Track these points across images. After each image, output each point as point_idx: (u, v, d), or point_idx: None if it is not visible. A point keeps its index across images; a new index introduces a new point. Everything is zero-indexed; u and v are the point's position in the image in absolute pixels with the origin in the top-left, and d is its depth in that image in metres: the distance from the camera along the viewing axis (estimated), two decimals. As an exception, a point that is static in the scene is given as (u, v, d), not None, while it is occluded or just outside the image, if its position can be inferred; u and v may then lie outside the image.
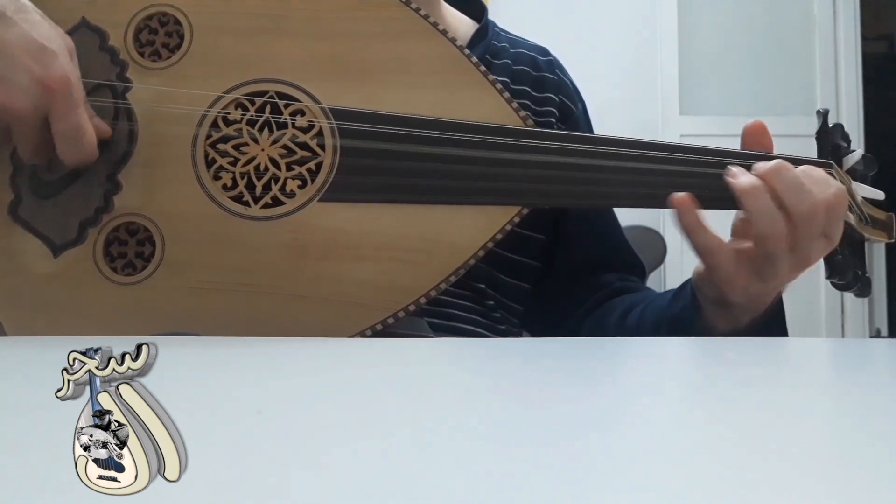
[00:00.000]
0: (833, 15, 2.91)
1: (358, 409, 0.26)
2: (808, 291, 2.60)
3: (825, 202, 0.49)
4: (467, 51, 0.54)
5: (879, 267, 2.82)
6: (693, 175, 0.52)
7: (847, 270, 0.55)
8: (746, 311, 0.53)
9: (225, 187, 0.51)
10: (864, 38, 2.98)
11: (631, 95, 2.79)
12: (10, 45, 0.47)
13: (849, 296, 2.78)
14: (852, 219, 0.55)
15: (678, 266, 2.61)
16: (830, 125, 0.58)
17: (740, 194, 0.49)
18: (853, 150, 0.58)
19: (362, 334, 0.49)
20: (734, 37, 2.90)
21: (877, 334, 2.82)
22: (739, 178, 0.50)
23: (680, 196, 0.50)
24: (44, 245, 0.51)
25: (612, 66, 2.78)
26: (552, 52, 0.77)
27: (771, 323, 0.55)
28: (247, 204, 0.51)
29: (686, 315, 0.56)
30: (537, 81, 0.72)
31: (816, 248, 0.50)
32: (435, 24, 0.54)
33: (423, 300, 0.49)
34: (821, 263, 0.55)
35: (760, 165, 0.50)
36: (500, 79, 0.60)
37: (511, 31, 0.78)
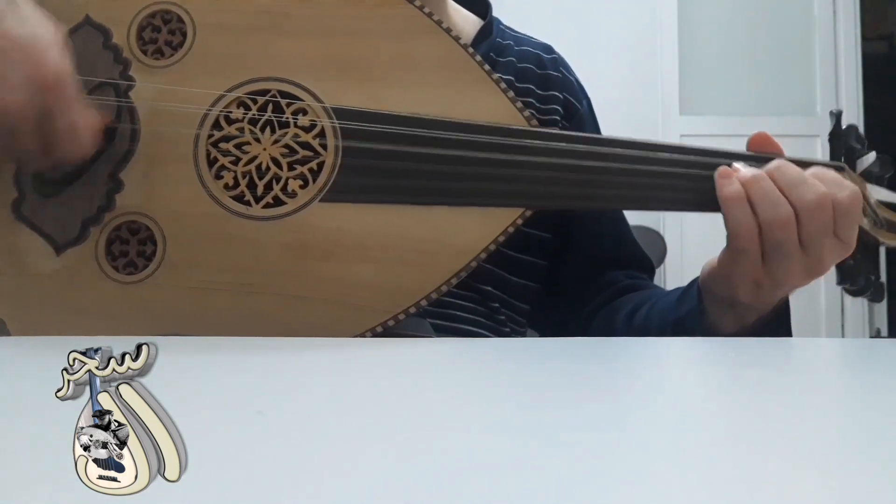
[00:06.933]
0: (833, 15, 2.91)
1: (358, 410, 0.26)
2: (809, 291, 2.59)
3: (834, 198, 0.49)
4: (471, 49, 0.54)
5: (879, 267, 2.82)
6: (702, 179, 0.52)
7: (859, 275, 0.55)
8: (752, 312, 0.53)
9: (226, 187, 0.51)
10: (864, 38, 2.98)
11: (631, 95, 2.78)
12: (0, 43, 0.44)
13: (849, 296, 2.78)
14: (866, 222, 0.55)
15: (678, 266, 2.62)
16: (844, 126, 0.57)
17: (725, 181, 0.50)
18: (868, 153, 0.57)
19: (362, 336, 0.48)
20: (734, 37, 2.90)
21: (877, 334, 2.82)
22: (732, 174, 0.51)
23: (725, 167, 0.51)
24: (46, 243, 0.51)
25: (612, 66, 2.78)
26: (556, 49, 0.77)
27: (778, 323, 0.54)
28: (248, 203, 0.50)
29: (690, 319, 0.56)
30: (542, 79, 0.72)
31: (829, 250, 0.50)
32: (439, 23, 0.54)
33: (423, 302, 0.49)
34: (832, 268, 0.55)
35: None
36: (504, 77, 0.60)
37: (515, 29, 0.78)
